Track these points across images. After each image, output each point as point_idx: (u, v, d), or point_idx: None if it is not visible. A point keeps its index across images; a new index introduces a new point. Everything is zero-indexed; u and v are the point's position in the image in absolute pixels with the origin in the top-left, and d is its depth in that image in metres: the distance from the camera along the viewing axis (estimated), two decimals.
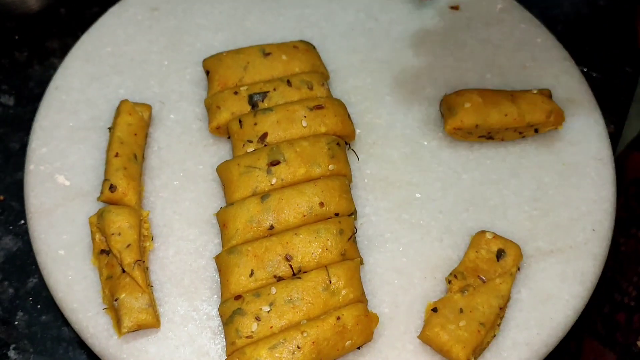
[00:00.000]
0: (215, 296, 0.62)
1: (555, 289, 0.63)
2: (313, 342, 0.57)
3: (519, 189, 0.67)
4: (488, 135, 0.69)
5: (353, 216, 0.64)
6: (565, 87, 0.73)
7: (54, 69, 0.74)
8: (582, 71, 0.76)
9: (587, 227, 0.66)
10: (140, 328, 0.59)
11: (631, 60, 0.84)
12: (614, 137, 0.77)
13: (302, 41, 0.71)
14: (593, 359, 0.68)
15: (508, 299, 0.61)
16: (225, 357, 0.58)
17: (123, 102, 0.68)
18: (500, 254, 0.62)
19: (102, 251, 0.62)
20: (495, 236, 0.63)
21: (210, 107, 0.68)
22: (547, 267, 0.64)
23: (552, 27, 0.77)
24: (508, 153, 0.69)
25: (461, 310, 0.60)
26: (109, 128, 0.67)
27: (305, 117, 0.65)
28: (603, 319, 0.63)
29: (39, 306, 0.69)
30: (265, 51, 0.70)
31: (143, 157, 0.67)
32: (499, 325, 0.60)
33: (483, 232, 0.64)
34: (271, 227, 0.61)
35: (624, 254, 0.68)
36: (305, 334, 0.57)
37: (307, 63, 0.70)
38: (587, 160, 0.69)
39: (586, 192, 0.67)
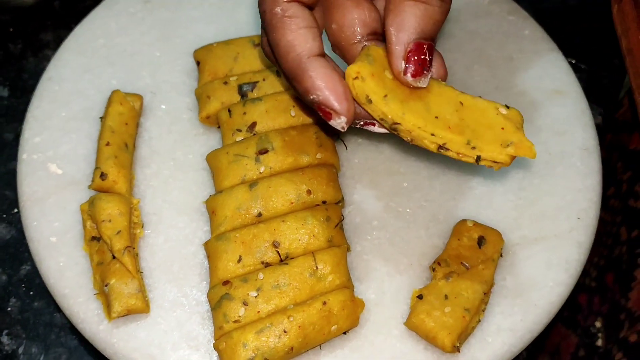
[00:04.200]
0: (204, 282, 0.63)
1: (540, 276, 0.64)
2: (299, 327, 0.57)
3: (504, 179, 0.68)
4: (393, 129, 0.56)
5: (340, 204, 0.65)
6: (553, 78, 0.74)
7: (47, 60, 0.74)
8: (570, 63, 0.77)
9: (572, 216, 0.66)
10: (129, 313, 0.60)
11: (619, 53, 0.84)
12: (602, 129, 0.78)
13: None
14: (558, 342, 0.69)
15: (492, 285, 0.62)
16: (213, 342, 0.59)
17: (115, 92, 0.69)
18: (481, 241, 0.63)
19: (93, 238, 0.63)
20: (476, 224, 0.64)
21: (201, 97, 0.69)
22: (532, 254, 0.65)
23: (540, 19, 0.78)
24: None
25: (446, 297, 0.60)
26: (101, 118, 0.68)
27: (293, 106, 0.66)
28: (566, 301, 0.64)
29: (31, 293, 0.70)
30: (255, 42, 0.70)
31: (134, 146, 0.68)
32: (483, 311, 0.61)
33: (464, 220, 0.64)
34: (259, 215, 0.62)
35: None
36: (291, 319, 0.58)
37: None
38: (573, 150, 0.70)
39: (572, 181, 0.68)
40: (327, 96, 0.52)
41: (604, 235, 0.70)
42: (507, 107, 0.56)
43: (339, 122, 0.53)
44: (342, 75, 0.54)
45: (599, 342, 0.66)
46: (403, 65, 0.52)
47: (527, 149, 0.55)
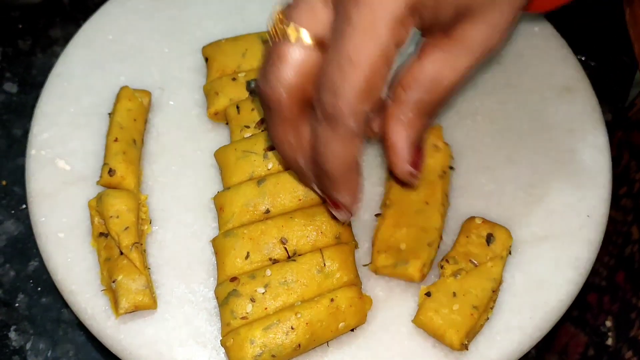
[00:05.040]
0: (212, 278, 0.62)
1: (549, 274, 0.63)
2: (307, 323, 0.57)
3: (514, 176, 0.68)
4: None
5: None
6: (562, 75, 0.73)
7: (56, 57, 0.75)
8: (580, 60, 0.76)
9: (582, 213, 0.66)
10: (137, 309, 0.60)
11: (629, 50, 0.84)
12: (611, 126, 0.78)
13: None
14: (566, 342, 0.69)
15: (500, 282, 0.61)
16: (221, 338, 0.59)
17: (123, 88, 0.69)
18: (489, 238, 0.63)
19: (101, 234, 0.63)
20: (484, 221, 0.64)
21: (209, 93, 0.69)
22: (541, 252, 0.64)
23: (550, 16, 0.78)
24: (504, 140, 0.69)
25: (454, 294, 0.60)
26: (109, 114, 0.68)
27: None
28: (575, 301, 0.63)
29: (39, 289, 0.70)
30: (264, 38, 0.70)
31: (142, 142, 0.68)
32: (492, 309, 0.61)
33: (472, 217, 0.64)
34: (267, 211, 0.62)
35: None
36: (299, 315, 0.57)
37: None
38: (583, 148, 0.69)
39: (581, 178, 0.68)
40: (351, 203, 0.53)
41: (614, 235, 0.69)
42: None
43: (344, 217, 0.56)
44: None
45: (609, 341, 0.66)
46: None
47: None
